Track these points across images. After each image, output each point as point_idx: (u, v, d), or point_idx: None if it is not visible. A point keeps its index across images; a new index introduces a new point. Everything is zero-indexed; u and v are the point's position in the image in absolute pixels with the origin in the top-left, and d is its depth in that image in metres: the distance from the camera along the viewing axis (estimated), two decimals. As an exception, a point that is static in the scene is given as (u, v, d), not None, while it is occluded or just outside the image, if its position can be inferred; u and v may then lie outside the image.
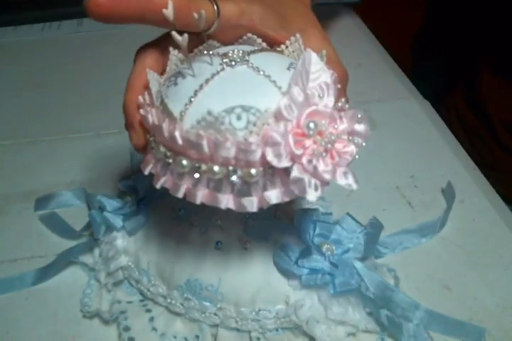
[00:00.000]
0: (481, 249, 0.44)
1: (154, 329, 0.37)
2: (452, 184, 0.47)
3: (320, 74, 0.27)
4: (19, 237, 0.45)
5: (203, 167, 0.26)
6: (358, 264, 0.36)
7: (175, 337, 0.37)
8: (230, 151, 0.25)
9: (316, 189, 0.26)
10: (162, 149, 0.28)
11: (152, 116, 0.27)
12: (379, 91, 0.63)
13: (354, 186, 0.27)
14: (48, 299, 0.40)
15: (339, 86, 0.29)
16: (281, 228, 0.38)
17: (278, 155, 0.25)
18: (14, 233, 0.46)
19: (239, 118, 0.26)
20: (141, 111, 0.29)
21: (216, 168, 0.26)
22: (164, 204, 0.40)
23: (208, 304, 0.36)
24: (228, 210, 0.28)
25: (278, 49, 0.32)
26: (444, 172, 0.51)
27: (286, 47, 0.32)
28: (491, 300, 0.40)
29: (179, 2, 0.27)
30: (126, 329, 0.36)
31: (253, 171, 0.26)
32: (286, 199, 0.27)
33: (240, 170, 0.26)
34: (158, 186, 0.29)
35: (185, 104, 0.27)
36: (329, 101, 0.27)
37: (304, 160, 0.25)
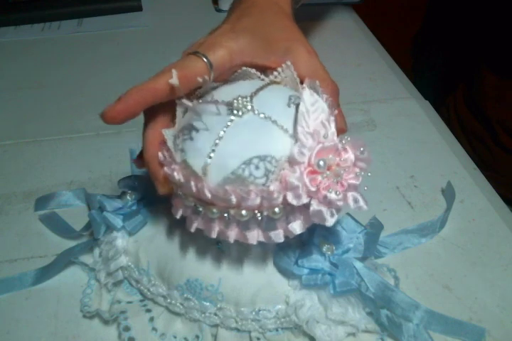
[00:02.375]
0: (481, 249, 0.44)
1: (154, 329, 0.37)
2: (452, 184, 0.47)
3: (319, 112, 0.30)
4: (19, 237, 0.45)
5: (232, 212, 0.30)
6: (358, 264, 0.36)
7: (175, 337, 0.37)
8: (255, 201, 0.29)
9: (332, 216, 0.30)
10: (191, 199, 0.31)
11: (177, 174, 0.30)
12: (379, 92, 0.63)
13: (364, 208, 0.30)
14: (48, 299, 0.40)
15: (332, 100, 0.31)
16: None
17: (297, 196, 0.29)
18: (14, 233, 0.46)
19: (257, 168, 0.29)
20: (166, 169, 0.31)
21: (244, 212, 0.30)
22: (164, 204, 0.40)
23: (207, 304, 0.36)
24: None
25: (272, 77, 0.34)
26: (444, 173, 0.51)
27: (279, 73, 0.34)
28: (491, 300, 0.40)
29: (185, 71, 0.30)
30: (126, 329, 0.36)
31: (276, 210, 0.30)
32: (308, 226, 0.31)
33: (265, 211, 0.30)
34: (192, 230, 0.32)
35: (205, 162, 0.30)
36: (332, 134, 0.30)
37: (320, 195, 0.29)
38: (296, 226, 0.31)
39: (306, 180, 0.28)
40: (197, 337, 0.37)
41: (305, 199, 0.29)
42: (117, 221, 0.38)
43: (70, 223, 0.45)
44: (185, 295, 0.36)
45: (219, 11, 0.82)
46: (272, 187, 0.29)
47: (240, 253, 0.36)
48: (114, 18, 0.81)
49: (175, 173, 0.30)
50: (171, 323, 0.38)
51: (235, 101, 0.31)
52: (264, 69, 0.34)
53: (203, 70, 0.31)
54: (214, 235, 0.31)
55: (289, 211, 0.30)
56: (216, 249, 0.36)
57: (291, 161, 0.29)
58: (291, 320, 0.35)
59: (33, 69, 0.69)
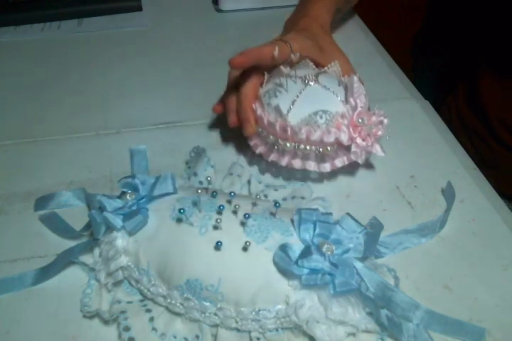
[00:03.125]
0: (481, 249, 0.44)
1: (154, 329, 0.37)
2: (452, 184, 0.47)
3: (358, 89, 0.46)
4: (19, 237, 0.45)
5: (301, 146, 0.45)
6: (358, 264, 0.36)
7: (175, 337, 0.37)
8: (317, 137, 0.45)
9: (362, 156, 0.46)
10: (272, 137, 0.46)
11: (266, 117, 0.46)
12: (379, 92, 0.63)
13: (382, 154, 0.47)
14: (48, 299, 0.40)
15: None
16: (281, 228, 0.38)
17: (345, 138, 0.45)
18: (14, 233, 0.46)
19: (321, 117, 0.45)
20: (258, 112, 0.47)
21: (308, 147, 0.45)
22: (164, 204, 0.40)
23: (207, 304, 0.36)
24: (228, 209, 0.38)
25: (325, 69, 0.51)
26: (444, 173, 0.51)
27: (328, 68, 0.51)
28: (491, 300, 0.40)
29: (280, 49, 0.47)
30: (126, 329, 0.36)
31: (329, 148, 0.45)
32: (347, 163, 0.47)
33: (321, 148, 0.45)
34: (269, 159, 0.48)
35: (288, 109, 0.45)
36: (366, 104, 0.46)
37: (358, 140, 0.45)
38: (339, 162, 0.47)
39: (351, 129, 0.45)
40: (197, 337, 0.37)
41: (349, 141, 0.45)
42: (117, 221, 0.38)
43: (70, 223, 0.45)
44: (185, 295, 0.36)
45: (219, 11, 0.82)
46: (330, 129, 0.45)
47: (239, 253, 0.36)
48: (114, 18, 0.81)
49: (265, 117, 0.46)
50: (171, 323, 0.37)
51: (307, 76, 0.47)
52: (317, 65, 0.51)
53: (289, 51, 0.48)
54: (284, 163, 0.47)
55: (336, 150, 0.46)
56: (216, 249, 0.36)
57: (342, 116, 0.45)
58: (291, 320, 0.35)
59: (33, 69, 0.69)
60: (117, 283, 0.40)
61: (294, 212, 0.38)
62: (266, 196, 0.47)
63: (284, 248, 0.35)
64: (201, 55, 0.71)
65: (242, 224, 0.37)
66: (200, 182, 0.47)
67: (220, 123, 0.57)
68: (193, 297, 0.36)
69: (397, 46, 0.80)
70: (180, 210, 0.37)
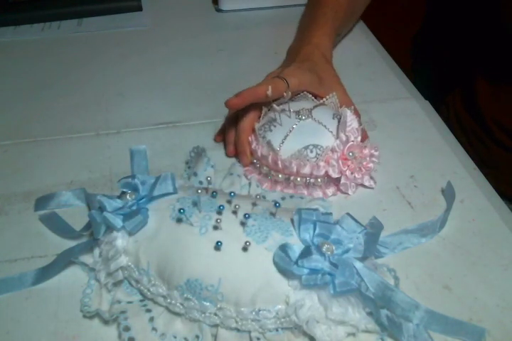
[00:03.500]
0: (481, 249, 0.44)
1: (154, 329, 0.37)
2: (452, 184, 0.47)
3: (352, 123, 0.48)
4: (19, 237, 0.45)
5: (291, 177, 0.48)
6: (358, 264, 0.36)
7: (175, 337, 0.37)
8: (307, 171, 0.47)
9: (352, 188, 0.49)
10: (266, 168, 0.49)
11: (260, 150, 0.49)
12: (379, 92, 0.63)
13: (373, 186, 0.49)
14: (48, 299, 0.40)
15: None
16: (281, 228, 0.38)
17: (334, 172, 0.47)
18: (14, 233, 0.46)
19: (311, 151, 0.47)
20: (253, 146, 0.50)
21: (299, 179, 0.48)
22: (164, 204, 0.40)
23: (207, 304, 0.36)
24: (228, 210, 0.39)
25: (322, 101, 0.53)
26: (444, 172, 0.51)
27: (327, 99, 0.53)
28: (491, 300, 0.40)
29: (273, 88, 0.48)
30: (126, 329, 0.36)
31: (319, 179, 0.48)
32: (337, 193, 0.49)
33: (312, 179, 0.48)
34: (263, 187, 0.49)
35: (280, 144, 0.48)
36: (358, 138, 0.48)
37: (347, 173, 0.47)
38: (330, 192, 0.49)
39: (340, 162, 0.47)
40: (197, 337, 0.37)
41: (338, 174, 0.47)
42: (117, 221, 0.38)
43: (70, 223, 0.45)
44: (185, 295, 0.36)
45: (219, 10, 0.82)
46: (319, 163, 0.47)
47: (239, 253, 0.36)
48: (114, 18, 0.81)
49: (258, 150, 0.49)
50: (171, 323, 0.37)
51: (301, 110, 0.49)
52: (316, 96, 0.54)
53: (284, 88, 0.49)
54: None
55: (327, 181, 0.48)
56: (216, 249, 0.36)
57: (333, 150, 0.47)
58: (291, 320, 0.35)
59: (33, 69, 0.69)
60: (117, 283, 0.40)
61: (294, 212, 0.38)
62: (264, 197, 0.47)
63: (284, 248, 0.35)
64: (201, 55, 0.71)
65: (242, 224, 0.37)
66: (200, 182, 0.47)
67: (220, 123, 0.57)
68: (193, 297, 0.36)
69: (397, 46, 0.80)
70: (180, 210, 0.37)
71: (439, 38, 0.85)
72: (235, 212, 0.38)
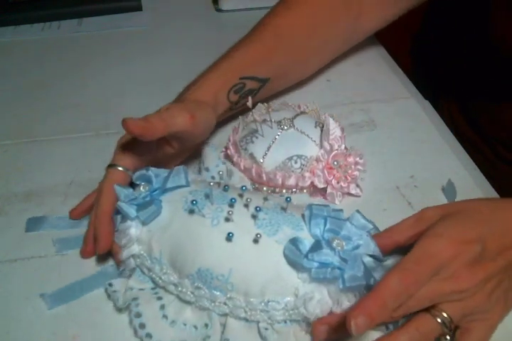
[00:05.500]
0: (481, 248, 0.44)
1: (165, 316, 0.37)
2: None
3: (335, 131, 0.47)
4: (19, 237, 0.45)
5: (276, 190, 0.47)
6: (367, 259, 0.36)
7: (184, 325, 0.37)
8: (292, 182, 0.47)
9: (339, 197, 0.47)
10: (249, 181, 0.47)
11: (242, 162, 0.47)
12: (379, 92, 0.63)
13: (360, 194, 0.48)
14: (48, 299, 0.40)
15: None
16: (292, 222, 0.38)
17: (320, 182, 0.46)
18: (14, 233, 0.46)
19: (296, 162, 0.47)
20: (235, 158, 0.48)
21: (284, 191, 0.47)
22: (177, 196, 0.41)
23: (217, 293, 0.37)
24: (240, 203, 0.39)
25: (303, 109, 0.51)
26: (444, 172, 0.51)
27: (307, 107, 0.52)
28: (491, 300, 0.40)
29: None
30: (138, 315, 0.37)
31: (305, 190, 0.48)
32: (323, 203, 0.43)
33: (298, 190, 0.48)
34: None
35: (263, 155, 0.47)
36: (342, 145, 0.47)
37: (333, 182, 0.46)
38: (315, 201, 0.43)
39: (326, 173, 0.46)
40: (206, 325, 0.37)
41: (323, 184, 0.46)
42: (131, 210, 0.39)
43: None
44: (196, 284, 0.37)
45: (219, 10, 0.82)
46: (305, 174, 0.46)
47: (250, 245, 0.37)
48: (114, 18, 0.81)
49: (241, 163, 0.47)
50: (181, 311, 0.38)
51: (283, 120, 0.48)
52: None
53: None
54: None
55: (312, 192, 0.48)
56: (227, 240, 0.37)
57: (317, 160, 0.46)
58: (299, 312, 0.36)
59: (33, 69, 0.69)
60: (130, 271, 0.40)
61: (305, 208, 0.38)
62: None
63: (294, 241, 0.36)
64: (201, 55, 0.71)
65: (254, 216, 0.38)
66: (213, 177, 0.48)
67: (220, 123, 0.57)
68: (204, 286, 0.37)
69: (397, 46, 0.80)
70: (192, 202, 0.38)
71: (439, 38, 0.85)
72: (246, 205, 0.38)
